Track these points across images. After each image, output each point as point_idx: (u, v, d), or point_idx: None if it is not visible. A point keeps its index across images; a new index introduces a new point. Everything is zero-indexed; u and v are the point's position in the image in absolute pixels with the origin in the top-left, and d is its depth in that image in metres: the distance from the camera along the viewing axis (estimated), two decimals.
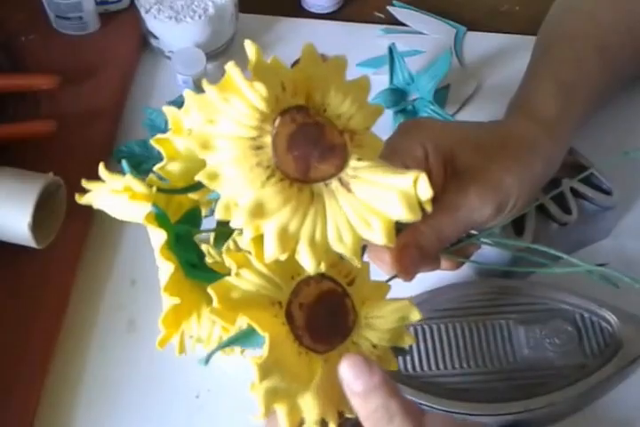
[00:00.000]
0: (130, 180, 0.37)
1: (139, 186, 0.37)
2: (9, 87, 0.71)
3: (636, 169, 0.69)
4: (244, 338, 0.37)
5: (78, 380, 0.61)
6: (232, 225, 0.34)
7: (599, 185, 0.63)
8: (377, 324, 0.39)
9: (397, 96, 0.74)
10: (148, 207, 0.36)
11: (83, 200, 0.40)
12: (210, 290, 0.35)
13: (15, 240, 0.62)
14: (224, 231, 0.42)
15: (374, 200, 0.35)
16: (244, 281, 0.36)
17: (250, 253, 0.36)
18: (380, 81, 0.74)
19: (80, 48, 0.74)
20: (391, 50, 0.72)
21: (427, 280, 0.60)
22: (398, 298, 0.40)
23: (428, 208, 0.36)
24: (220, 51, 0.76)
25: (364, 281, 0.40)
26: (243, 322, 0.35)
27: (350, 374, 0.36)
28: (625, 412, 0.59)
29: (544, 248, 0.49)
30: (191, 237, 0.40)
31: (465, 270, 0.64)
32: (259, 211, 0.33)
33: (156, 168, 0.41)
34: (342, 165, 0.35)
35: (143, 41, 0.77)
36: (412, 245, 0.47)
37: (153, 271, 0.66)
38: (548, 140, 0.54)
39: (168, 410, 0.60)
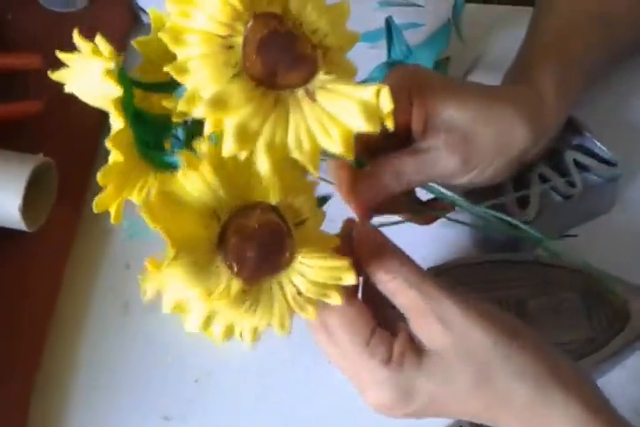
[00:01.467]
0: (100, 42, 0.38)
1: (107, 48, 0.37)
2: None
3: (637, 139, 0.69)
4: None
5: (73, 364, 0.61)
6: (194, 115, 0.35)
7: (602, 156, 0.62)
8: (308, 273, 0.39)
9: None
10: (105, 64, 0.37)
11: (55, 76, 0.40)
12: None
13: (5, 223, 0.61)
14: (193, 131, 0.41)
15: (337, 111, 0.36)
16: (190, 183, 0.36)
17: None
18: (377, 55, 0.73)
19: (68, 25, 0.72)
20: (388, 23, 0.71)
21: (430, 256, 0.62)
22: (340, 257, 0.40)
23: (389, 124, 0.37)
24: None
25: (313, 227, 0.40)
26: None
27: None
28: (636, 386, 0.59)
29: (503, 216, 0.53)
30: (155, 121, 0.40)
31: (469, 245, 0.65)
32: (220, 104, 0.34)
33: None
34: (310, 76, 0.36)
35: (134, 17, 0.76)
36: (371, 176, 0.49)
37: (148, 254, 0.65)
38: (536, 104, 0.55)
39: (167, 395, 0.60)
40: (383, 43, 0.72)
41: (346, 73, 0.39)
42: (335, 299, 0.39)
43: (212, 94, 0.34)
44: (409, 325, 0.42)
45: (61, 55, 0.39)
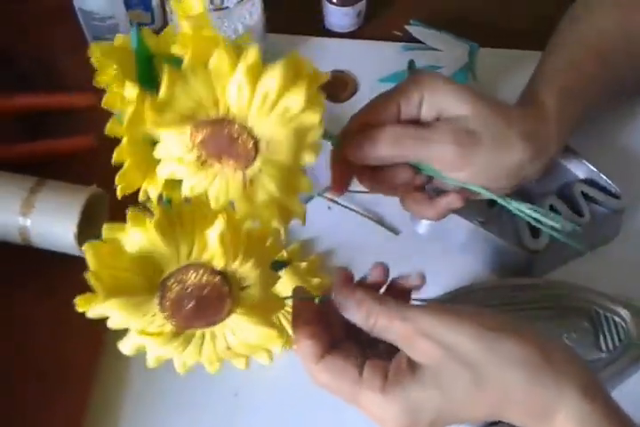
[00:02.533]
0: None
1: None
2: (50, 105, 0.75)
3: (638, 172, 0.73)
4: None
5: (123, 380, 0.64)
6: None
7: (608, 189, 0.66)
8: (239, 333, 0.42)
9: None
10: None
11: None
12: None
13: (62, 249, 0.65)
14: None
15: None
16: (135, 239, 0.40)
17: None
18: None
19: None
20: (411, 65, 0.77)
21: (446, 281, 0.64)
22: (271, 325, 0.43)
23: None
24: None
25: (259, 291, 0.42)
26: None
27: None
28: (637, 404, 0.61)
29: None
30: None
31: (485, 271, 0.68)
32: None
33: None
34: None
35: None
36: (369, 136, 0.51)
37: None
38: (536, 123, 0.56)
39: (207, 408, 0.63)
40: None
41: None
42: (264, 360, 0.43)
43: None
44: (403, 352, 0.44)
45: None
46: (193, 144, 0.41)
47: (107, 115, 0.66)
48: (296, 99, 0.40)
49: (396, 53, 0.84)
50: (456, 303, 0.61)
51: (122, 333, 0.64)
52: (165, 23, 0.80)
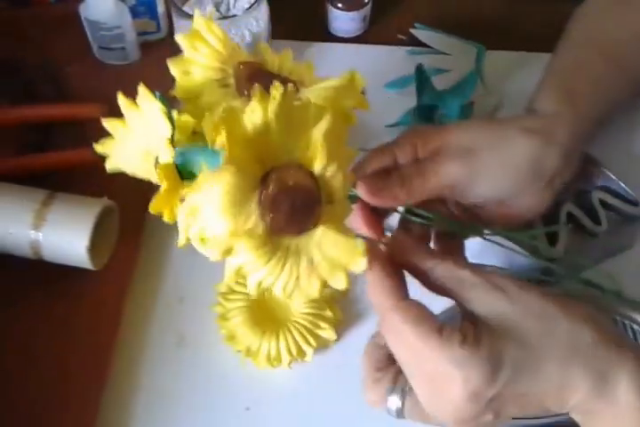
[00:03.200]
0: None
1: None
2: (56, 116, 0.75)
3: None
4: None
5: (133, 394, 0.64)
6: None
7: (625, 196, 0.65)
8: (325, 246, 0.40)
9: (425, 114, 0.77)
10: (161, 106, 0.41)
11: (100, 148, 0.45)
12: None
13: (73, 262, 0.65)
14: None
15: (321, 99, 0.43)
16: (253, 116, 0.39)
17: None
18: (407, 100, 0.78)
19: (122, 77, 0.78)
20: (419, 70, 0.76)
21: None
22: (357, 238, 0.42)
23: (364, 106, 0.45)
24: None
25: (340, 210, 0.42)
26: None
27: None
28: None
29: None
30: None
31: None
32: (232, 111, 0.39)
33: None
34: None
35: None
36: (382, 188, 0.50)
37: (199, 288, 0.69)
38: (539, 119, 0.56)
39: (219, 422, 0.63)
40: (412, 87, 0.77)
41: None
42: (340, 284, 0.40)
43: (224, 107, 0.39)
44: (463, 305, 0.43)
45: (121, 101, 0.44)
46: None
47: None
48: None
49: (402, 58, 0.84)
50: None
51: (130, 346, 0.66)
52: (171, 32, 0.79)
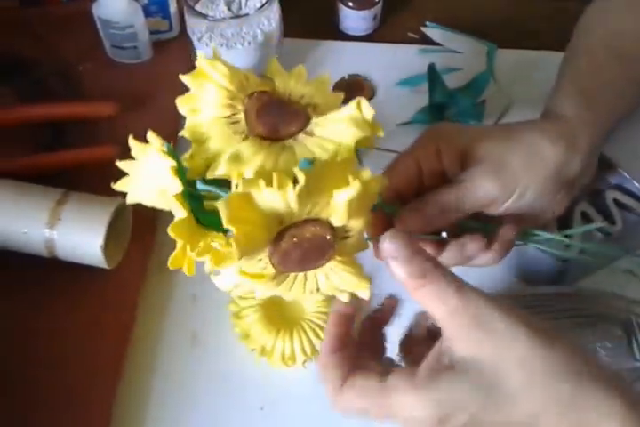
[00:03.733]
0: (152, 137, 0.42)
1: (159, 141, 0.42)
2: (68, 115, 0.74)
3: None
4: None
5: (146, 393, 0.64)
6: (216, 174, 0.40)
7: (638, 195, 0.65)
8: (333, 277, 0.42)
9: (437, 112, 0.77)
10: (171, 162, 0.41)
11: (118, 186, 0.45)
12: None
13: (88, 261, 0.65)
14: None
15: (332, 133, 0.42)
16: (271, 197, 0.39)
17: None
18: (419, 98, 0.78)
19: (135, 75, 0.78)
20: (431, 69, 0.76)
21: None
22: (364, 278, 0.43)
23: (379, 133, 0.43)
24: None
25: (353, 243, 0.42)
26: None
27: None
28: None
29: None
30: (197, 191, 0.43)
31: (514, 279, 0.68)
32: (236, 160, 0.40)
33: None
34: (305, 123, 0.42)
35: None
36: (416, 211, 0.51)
37: (213, 286, 0.69)
38: (560, 125, 0.56)
39: (233, 422, 0.62)
40: (424, 86, 0.77)
41: (331, 103, 0.44)
42: (344, 297, 0.43)
43: (228, 154, 0.40)
44: (443, 334, 0.41)
45: (133, 145, 0.43)
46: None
47: (124, 124, 0.65)
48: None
49: (413, 56, 0.84)
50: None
51: (144, 346, 0.66)
52: (183, 30, 0.79)
